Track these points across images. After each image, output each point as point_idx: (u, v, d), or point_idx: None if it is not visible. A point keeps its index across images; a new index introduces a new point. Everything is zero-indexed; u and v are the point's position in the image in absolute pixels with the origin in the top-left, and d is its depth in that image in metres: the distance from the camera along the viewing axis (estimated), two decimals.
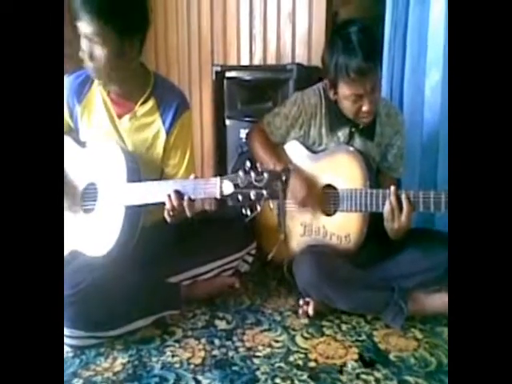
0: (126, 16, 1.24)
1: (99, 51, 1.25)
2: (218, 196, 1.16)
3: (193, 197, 1.24)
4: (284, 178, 1.11)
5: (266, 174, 1.10)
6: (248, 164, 1.12)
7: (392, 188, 1.32)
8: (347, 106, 1.42)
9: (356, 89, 1.36)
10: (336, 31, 1.45)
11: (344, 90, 1.38)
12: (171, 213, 1.26)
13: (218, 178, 1.17)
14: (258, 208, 1.12)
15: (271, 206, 1.16)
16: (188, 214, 1.25)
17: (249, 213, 1.13)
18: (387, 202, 1.32)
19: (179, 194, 1.24)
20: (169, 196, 1.24)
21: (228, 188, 1.14)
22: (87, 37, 1.24)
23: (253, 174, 1.10)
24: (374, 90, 1.38)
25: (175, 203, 1.23)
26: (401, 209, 1.30)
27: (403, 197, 1.30)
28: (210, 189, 1.18)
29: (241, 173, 1.12)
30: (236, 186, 1.12)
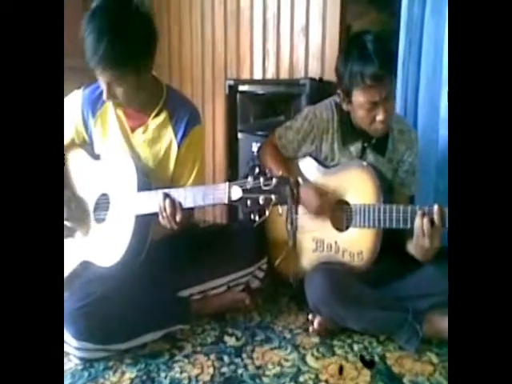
0: (133, 54, 1.22)
1: (118, 89, 1.27)
2: (227, 201, 1.15)
3: (202, 203, 1.23)
4: (294, 189, 1.10)
5: (274, 179, 1.08)
6: (257, 169, 1.11)
7: (436, 207, 1.26)
8: (361, 116, 1.40)
9: (371, 96, 1.34)
10: (350, 41, 1.45)
11: (359, 98, 1.37)
12: (164, 216, 1.25)
13: (227, 184, 1.16)
14: (267, 213, 1.11)
15: (280, 211, 1.15)
16: (177, 219, 1.24)
17: (257, 218, 1.12)
18: (420, 220, 1.26)
19: (172, 201, 1.23)
20: (163, 202, 1.23)
21: (236, 193, 1.13)
22: (104, 82, 1.26)
23: (261, 179, 1.09)
24: (388, 98, 1.36)
25: (168, 210, 1.23)
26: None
27: (435, 212, 1.25)
28: (219, 194, 1.18)
29: (249, 178, 1.11)
30: (244, 190, 1.11)
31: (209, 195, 1.20)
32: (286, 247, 1.49)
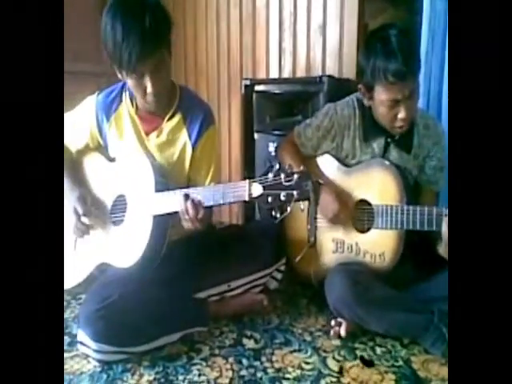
0: (159, 31, 1.22)
1: (155, 81, 1.25)
2: (247, 198, 1.12)
3: (222, 201, 1.20)
4: (314, 187, 1.07)
5: (295, 175, 1.06)
6: (277, 166, 1.09)
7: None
8: (382, 113, 1.36)
9: (393, 94, 1.30)
10: (373, 34, 1.39)
11: (380, 95, 1.33)
12: (187, 218, 1.22)
13: (247, 181, 1.13)
14: (288, 209, 1.08)
15: (302, 207, 1.12)
16: (200, 218, 1.21)
17: (278, 215, 1.09)
18: (445, 222, 1.23)
19: (194, 201, 1.20)
20: (184, 203, 1.20)
21: (257, 190, 1.10)
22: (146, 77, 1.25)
23: (282, 175, 1.07)
24: (411, 96, 1.32)
25: (191, 211, 1.20)
26: None
27: None
28: (239, 192, 1.15)
29: (270, 174, 1.08)
30: (265, 187, 1.09)
31: (229, 193, 1.18)
32: (306, 244, 1.46)
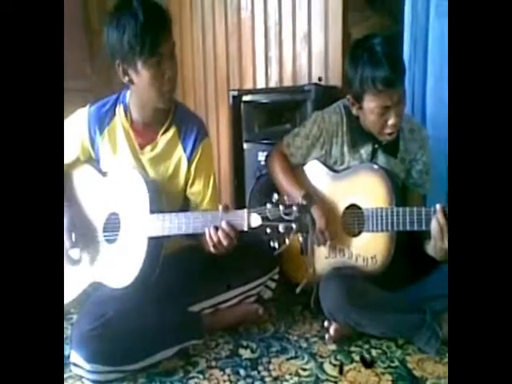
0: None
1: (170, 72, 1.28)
2: (246, 229, 1.15)
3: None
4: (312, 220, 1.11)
5: (294, 207, 1.08)
6: (276, 196, 1.11)
7: (438, 206, 1.24)
8: (373, 121, 1.39)
9: (383, 101, 1.33)
10: (358, 44, 1.41)
11: (370, 103, 1.35)
12: (218, 246, 1.20)
13: (246, 211, 1.15)
14: (287, 241, 1.10)
15: (300, 239, 1.14)
16: (233, 241, 1.21)
17: (277, 245, 1.11)
18: (434, 220, 1.24)
19: (233, 227, 1.18)
20: (222, 230, 1.18)
21: (256, 221, 1.12)
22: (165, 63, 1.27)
23: (281, 207, 1.09)
24: (400, 101, 1.35)
25: (224, 240, 1.19)
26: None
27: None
28: (238, 221, 1.17)
29: (269, 205, 1.10)
30: (264, 219, 1.11)
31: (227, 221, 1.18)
32: (301, 263, 1.47)
